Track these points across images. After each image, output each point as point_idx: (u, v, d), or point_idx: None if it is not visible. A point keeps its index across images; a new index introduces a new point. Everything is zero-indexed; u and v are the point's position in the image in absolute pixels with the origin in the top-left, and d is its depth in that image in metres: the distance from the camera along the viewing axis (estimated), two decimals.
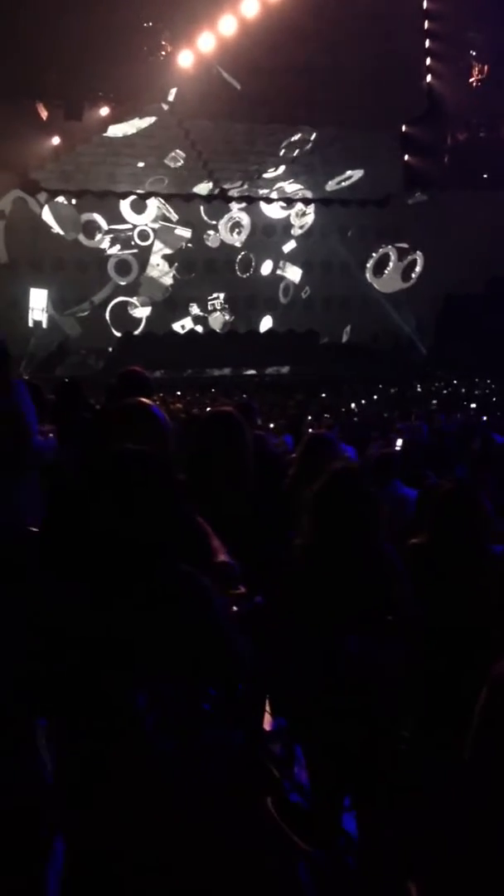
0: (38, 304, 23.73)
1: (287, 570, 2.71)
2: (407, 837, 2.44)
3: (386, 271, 26.74)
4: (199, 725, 1.86)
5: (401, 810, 2.37)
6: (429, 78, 25.02)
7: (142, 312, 24.88)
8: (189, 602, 2.08)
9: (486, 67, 24.66)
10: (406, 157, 25.98)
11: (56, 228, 23.88)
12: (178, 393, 17.18)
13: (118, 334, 24.16)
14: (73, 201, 24.07)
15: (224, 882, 1.67)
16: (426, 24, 24.78)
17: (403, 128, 25.68)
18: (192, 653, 2.00)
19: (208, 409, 13.32)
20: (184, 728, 1.84)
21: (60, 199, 23.85)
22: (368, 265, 26.74)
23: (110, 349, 22.93)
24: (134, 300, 24.79)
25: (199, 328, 25.38)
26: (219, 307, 25.63)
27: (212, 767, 1.81)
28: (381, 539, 2.79)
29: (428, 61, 25.00)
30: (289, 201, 26.14)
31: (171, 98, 22.40)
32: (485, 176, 25.92)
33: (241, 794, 1.84)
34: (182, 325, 25.28)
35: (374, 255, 26.67)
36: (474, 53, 24.96)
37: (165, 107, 23.01)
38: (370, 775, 2.35)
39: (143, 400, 3.16)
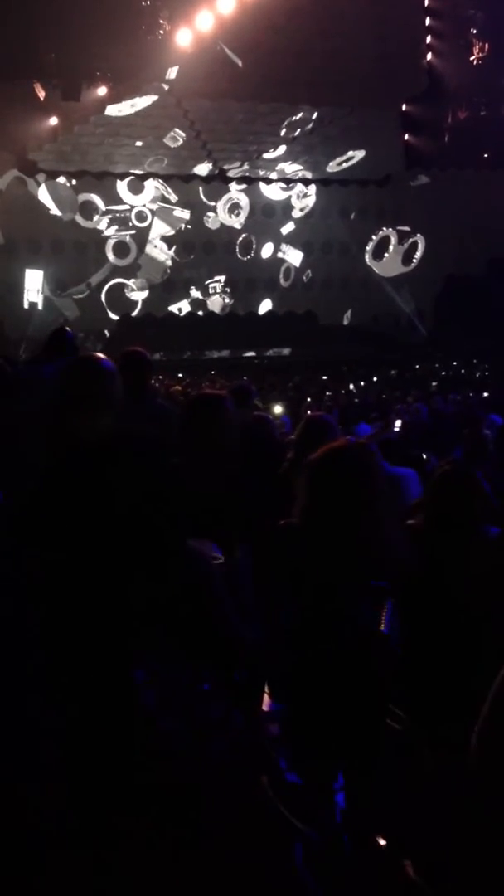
0: (34, 285, 23.66)
1: (281, 546, 2.71)
2: (402, 816, 2.46)
3: (386, 255, 26.62)
4: (199, 704, 1.88)
5: (395, 789, 2.39)
6: (429, 56, 24.80)
7: (139, 295, 24.80)
8: (190, 579, 2.09)
9: (486, 45, 24.43)
10: (406, 136, 25.81)
11: (53, 209, 23.77)
12: (180, 375, 17.17)
13: (115, 317, 24.11)
14: (72, 182, 23.95)
15: (220, 860, 1.69)
16: (426, 2, 24.55)
17: (403, 107, 25.49)
18: (191, 631, 2.02)
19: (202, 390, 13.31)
20: (185, 706, 1.86)
21: (59, 179, 23.72)
22: (368, 248, 26.61)
23: (107, 331, 22.91)
24: (131, 283, 24.71)
25: (199, 312, 25.29)
26: (219, 290, 25.54)
27: (213, 746, 1.83)
28: (380, 515, 2.74)
29: (428, 39, 24.77)
30: (288, 181, 25.98)
31: (170, 77, 22.19)
32: (486, 155, 25.76)
33: (239, 772, 1.86)
34: (179, 308, 25.20)
35: (374, 237, 26.52)
36: (475, 31, 24.72)
37: (165, 86, 22.80)
38: (362, 751, 2.37)
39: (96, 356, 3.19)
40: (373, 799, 2.23)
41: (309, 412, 9.89)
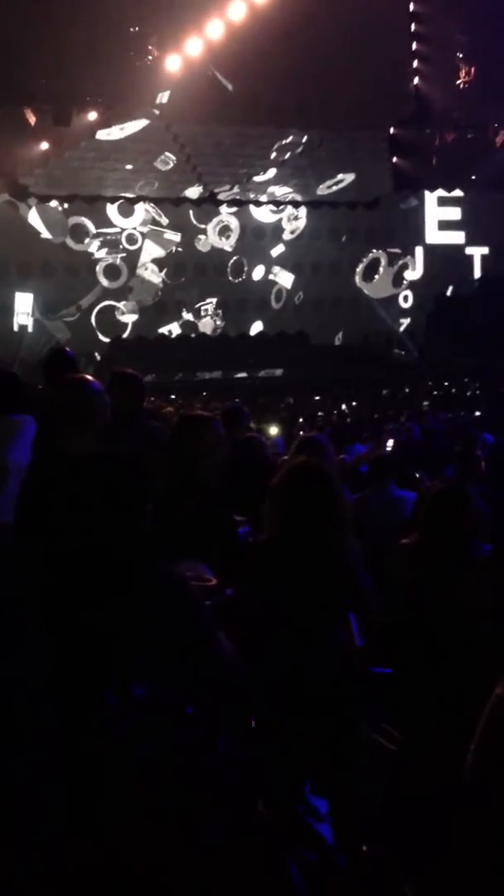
0: (24, 308, 23.71)
1: (251, 565, 2.75)
2: (401, 839, 2.45)
3: (376, 276, 26.77)
4: (178, 729, 1.87)
5: (390, 811, 2.38)
6: (416, 80, 25.06)
7: (130, 317, 24.86)
8: (166, 602, 2.09)
9: (472, 69, 24.71)
10: (394, 159, 26.03)
11: (44, 233, 23.87)
12: (172, 396, 17.19)
13: (106, 339, 24.15)
14: (63, 205, 24.06)
15: (215, 885, 1.68)
16: (413, 27, 24.83)
17: (391, 130, 25.73)
18: (170, 654, 2.01)
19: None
20: (161, 731, 1.84)
21: (50, 203, 23.84)
22: (358, 270, 26.75)
23: (97, 354, 22.92)
24: (121, 305, 24.77)
25: (191, 334, 25.35)
26: (210, 312, 25.62)
27: (193, 771, 1.82)
28: (341, 536, 2.82)
29: (415, 63, 25.05)
30: (277, 204, 26.14)
31: (160, 102, 22.38)
32: (473, 177, 26.00)
33: (231, 796, 1.85)
34: (170, 330, 25.25)
35: (364, 259, 26.68)
36: (461, 55, 25.01)
37: (155, 111, 22.98)
38: (340, 771, 2.37)
39: (79, 377, 3.23)
40: (361, 817, 2.23)
41: (301, 432, 9.92)
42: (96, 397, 3.12)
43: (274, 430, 11.22)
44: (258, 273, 26.14)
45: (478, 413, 13.75)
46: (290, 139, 25.11)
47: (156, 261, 25.21)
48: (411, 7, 24.56)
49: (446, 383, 21.35)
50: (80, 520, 2.32)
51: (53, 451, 3.00)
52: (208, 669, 2.08)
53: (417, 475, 6.58)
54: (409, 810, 2.48)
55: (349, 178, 25.98)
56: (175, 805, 1.73)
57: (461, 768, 2.30)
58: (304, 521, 2.72)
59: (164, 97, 22.09)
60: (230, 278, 25.89)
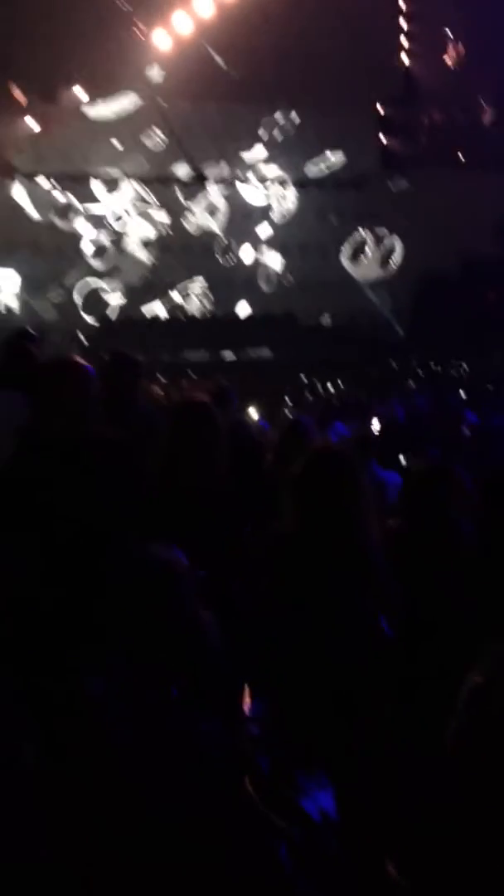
0: (10, 287, 23.50)
1: (269, 557, 2.70)
2: (385, 816, 2.48)
3: (363, 257, 26.66)
4: (162, 713, 1.88)
5: (379, 789, 2.42)
6: (404, 58, 24.92)
7: (116, 297, 24.70)
8: (148, 587, 2.09)
9: (461, 48, 24.59)
10: (382, 138, 25.90)
11: (30, 211, 23.64)
12: (160, 377, 17.10)
13: (92, 319, 23.98)
14: (49, 183, 23.82)
15: (204, 866, 1.70)
16: (402, 4, 24.66)
17: (379, 108, 25.59)
18: (154, 637, 2.02)
19: (182, 392, 13.31)
20: (145, 715, 1.86)
21: (37, 180, 23.59)
22: (344, 251, 26.64)
23: (86, 334, 22.76)
24: (106, 285, 24.59)
25: (178, 314, 25.22)
26: (198, 292, 25.49)
27: (179, 754, 1.84)
28: (368, 524, 2.75)
29: (403, 41, 24.89)
30: (264, 181, 25.96)
31: (148, 79, 22.18)
32: (461, 156, 25.91)
33: (218, 780, 1.87)
34: (156, 310, 25.10)
35: (349, 241, 26.57)
36: (450, 33, 24.87)
37: (142, 88, 22.79)
38: (347, 752, 2.39)
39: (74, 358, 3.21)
40: (357, 798, 2.25)
41: (287, 413, 9.91)
42: (86, 380, 3.09)
43: (255, 414, 11.13)
44: (246, 253, 26.00)
45: (462, 393, 13.79)
46: (277, 115, 24.96)
47: (143, 240, 25.02)
48: None
49: (432, 363, 21.38)
50: (65, 506, 2.33)
51: (37, 435, 2.97)
52: (192, 651, 2.09)
53: (402, 457, 6.60)
54: (395, 786, 2.51)
55: (337, 156, 25.84)
56: (159, 786, 1.76)
57: (438, 749, 2.34)
58: (326, 513, 2.61)
59: (153, 74, 21.89)
60: (217, 258, 25.74)
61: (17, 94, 21.00)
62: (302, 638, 2.48)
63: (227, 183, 25.59)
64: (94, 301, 24.37)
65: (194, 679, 1.94)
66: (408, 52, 24.74)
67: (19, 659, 1.97)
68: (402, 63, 24.73)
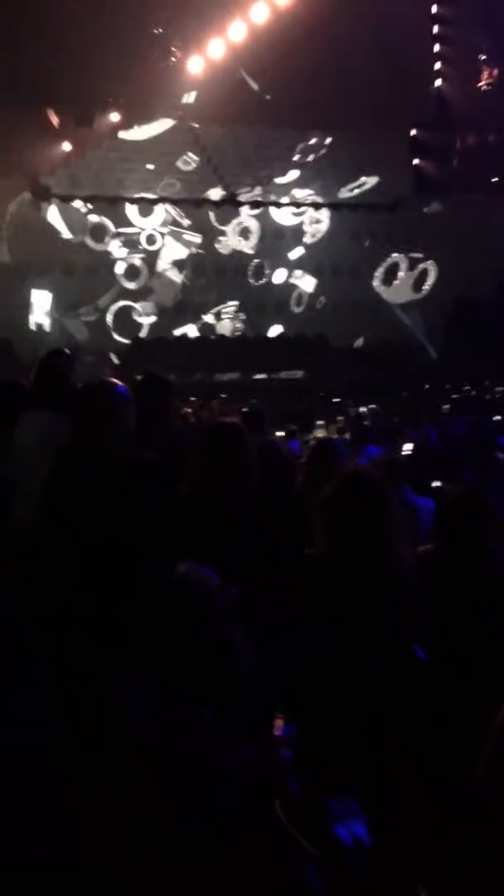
0: (42, 306, 23.76)
1: (301, 581, 2.70)
2: (417, 843, 2.46)
3: (396, 281, 26.65)
4: (192, 734, 1.88)
5: (410, 816, 2.40)
6: (438, 82, 25.03)
7: (148, 318, 24.86)
8: (179, 604, 2.10)
9: (495, 71, 24.65)
10: (416, 162, 25.98)
11: (64, 232, 23.95)
12: (192, 398, 17.17)
13: (124, 339, 24.15)
14: (83, 205, 24.14)
15: (230, 888, 1.70)
16: (435, 29, 24.80)
17: (412, 132, 25.69)
18: (183, 657, 2.02)
19: (212, 412, 13.38)
20: (174, 735, 1.86)
21: (71, 203, 23.93)
22: (378, 274, 26.64)
23: (112, 354, 22.88)
24: (139, 306, 24.77)
25: (210, 335, 25.33)
26: (231, 314, 25.59)
27: (208, 777, 1.84)
28: (398, 547, 2.74)
29: (437, 65, 25.02)
30: (298, 205, 26.09)
31: (185, 102, 22.48)
32: (494, 180, 25.90)
33: (248, 804, 1.87)
34: (187, 332, 25.22)
35: (383, 264, 26.59)
36: (483, 57, 24.95)
37: (177, 112, 23.08)
38: (378, 776, 2.38)
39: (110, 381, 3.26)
40: (389, 824, 2.24)
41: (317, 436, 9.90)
42: (122, 403, 3.14)
43: (280, 433, 11.06)
44: (279, 276, 26.10)
45: (498, 417, 13.66)
46: (312, 141, 25.13)
47: (176, 262, 25.22)
48: (434, 9, 24.54)
49: (466, 387, 21.25)
50: (99, 522, 2.36)
51: (76, 456, 3.03)
52: (226, 673, 2.09)
53: (435, 483, 6.53)
54: (426, 812, 2.49)
55: (371, 181, 25.92)
56: (185, 806, 1.76)
57: (470, 775, 2.31)
58: (357, 536, 2.61)
59: (189, 98, 22.17)
60: (250, 280, 25.86)
61: (53, 118, 21.37)
62: (332, 660, 2.47)
63: (261, 206, 25.78)
64: (127, 321, 24.59)
65: (228, 702, 1.94)
66: (441, 76, 24.85)
67: (56, 664, 1.99)
68: (436, 87, 24.84)
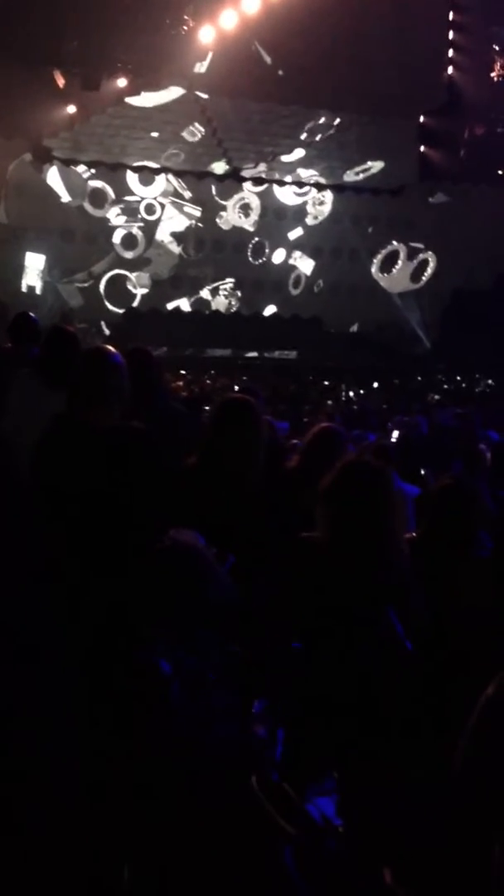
0: (34, 268, 23.53)
1: (295, 564, 2.70)
2: (386, 826, 2.48)
3: (394, 269, 26.57)
4: (206, 693, 1.90)
5: (382, 799, 2.42)
6: (450, 70, 24.86)
7: (142, 289, 24.69)
8: (183, 572, 2.11)
9: None
10: (422, 148, 25.84)
11: (63, 196, 23.70)
12: (182, 372, 17.12)
13: (117, 309, 24.00)
14: (86, 170, 23.88)
15: (209, 862, 1.71)
16: (451, 16, 24.60)
17: (421, 118, 25.53)
18: (188, 622, 2.03)
19: (203, 387, 13.37)
20: (201, 693, 1.88)
21: (72, 167, 23.66)
22: (376, 261, 26.54)
23: (111, 323, 22.81)
24: (133, 276, 24.59)
25: (204, 310, 25.21)
26: (227, 291, 25.45)
27: (214, 737, 1.85)
28: (397, 537, 2.76)
29: (451, 53, 24.83)
30: (301, 185, 25.91)
31: (196, 72, 22.21)
32: (500, 172, 25.83)
33: (233, 773, 1.88)
34: (180, 305, 25.08)
35: (383, 251, 26.48)
36: (497, 48, 24.80)
37: (185, 82, 22.82)
38: (357, 761, 2.39)
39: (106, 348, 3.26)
40: (361, 806, 2.25)
41: (305, 419, 9.89)
42: (118, 369, 3.15)
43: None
44: (278, 256, 25.96)
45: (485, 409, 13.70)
46: (321, 121, 24.92)
47: (174, 234, 25.03)
48: None
49: (458, 377, 21.30)
50: (94, 488, 2.35)
51: (73, 421, 3.02)
52: (226, 635, 2.11)
53: (423, 471, 6.57)
54: (395, 800, 2.51)
55: (377, 165, 25.76)
56: (189, 773, 1.77)
57: (446, 761, 2.33)
58: (358, 523, 2.63)
59: (202, 67, 21.90)
60: (250, 259, 25.70)
61: (60, 80, 21.07)
62: (323, 645, 2.48)
63: (263, 183, 25.58)
64: (120, 290, 24.40)
65: (226, 666, 1.96)
66: (454, 64, 24.68)
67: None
68: (448, 75, 24.67)
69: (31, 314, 5.87)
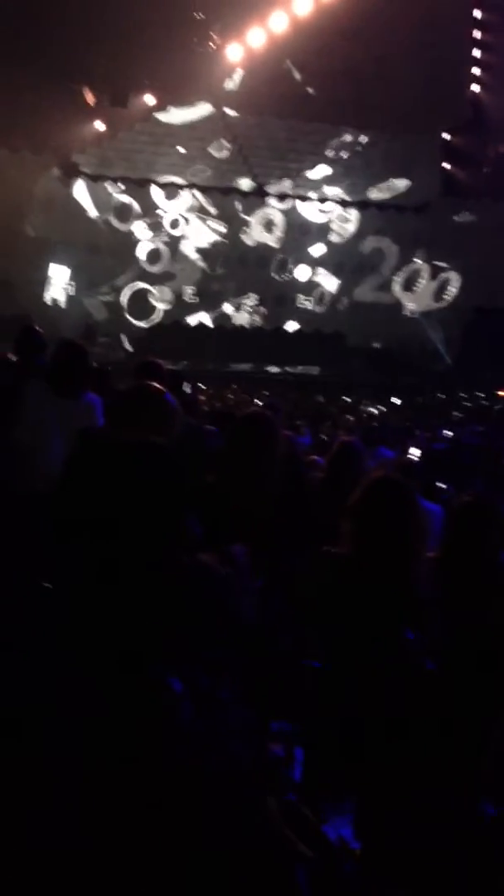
0: (59, 281, 23.71)
1: (318, 579, 2.70)
2: (403, 847, 2.45)
3: (417, 288, 26.53)
4: (219, 712, 1.89)
5: (398, 819, 2.39)
6: (474, 87, 24.90)
7: (163, 304, 24.78)
8: (201, 594, 2.10)
9: None
10: (446, 165, 25.86)
11: (90, 210, 23.90)
12: (203, 386, 17.15)
13: (140, 322, 24.10)
14: (111, 185, 24.07)
15: (221, 878, 1.69)
16: (476, 34, 24.66)
17: (445, 135, 25.57)
18: (203, 641, 2.02)
19: (228, 403, 13.39)
20: (212, 712, 1.86)
21: (100, 182, 23.87)
22: (399, 279, 26.52)
23: (123, 336, 22.81)
24: (155, 290, 24.69)
25: (226, 325, 25.26)
26: (250, 307, 25.50)
27: (228, 756, 1.84)
28: (421, 555, 2.76)
29: (475, 71, 24.89)
30: (323, 201, 25.96)
31: (218, 91, 22.40)
32: None
33: (249, 791, 1.87)
34: (202, 320, 25.13)
35: (405, 269, 26.47)
36: None
37: (212, 99, 23.00)
38: (375, 780, 2.37)
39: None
40: (378, 827, 2.23)
41: (331, 435, 9.87)
42: (173, 415, 3.14)
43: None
44: (302, 273, 26.00)
45: None
46: (346, 138, 25.01)
47: (198, 249, 25.14)
48: (476, 14, 24.40)
49: (480, 395, 21.18)
50: (117, 503, 2.34)
51: (99, 438, 3.03)
52: (240, 656, 2.10)
53: (444, 486, 6.53)
54: (410, 819, 2.49)
55: (402, 183, 25.78)
56: (189, 797, 1.76)
57: (468, 780, 2.30)
58: (384, 540, 2.64)
59: (231, 84, 22.07)
60: (273, 275, 25.76)
61: (89, 96, 21.32)
62: (343, 663, 2.47)
63: (287, 199, 25.67)
64: (143, 305, 24.52)
65: (241, 686, 1.95)
66: (479, 82, 24.71)
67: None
68: (472, 92, 24.70)
69: (36, 327, 6.09)
